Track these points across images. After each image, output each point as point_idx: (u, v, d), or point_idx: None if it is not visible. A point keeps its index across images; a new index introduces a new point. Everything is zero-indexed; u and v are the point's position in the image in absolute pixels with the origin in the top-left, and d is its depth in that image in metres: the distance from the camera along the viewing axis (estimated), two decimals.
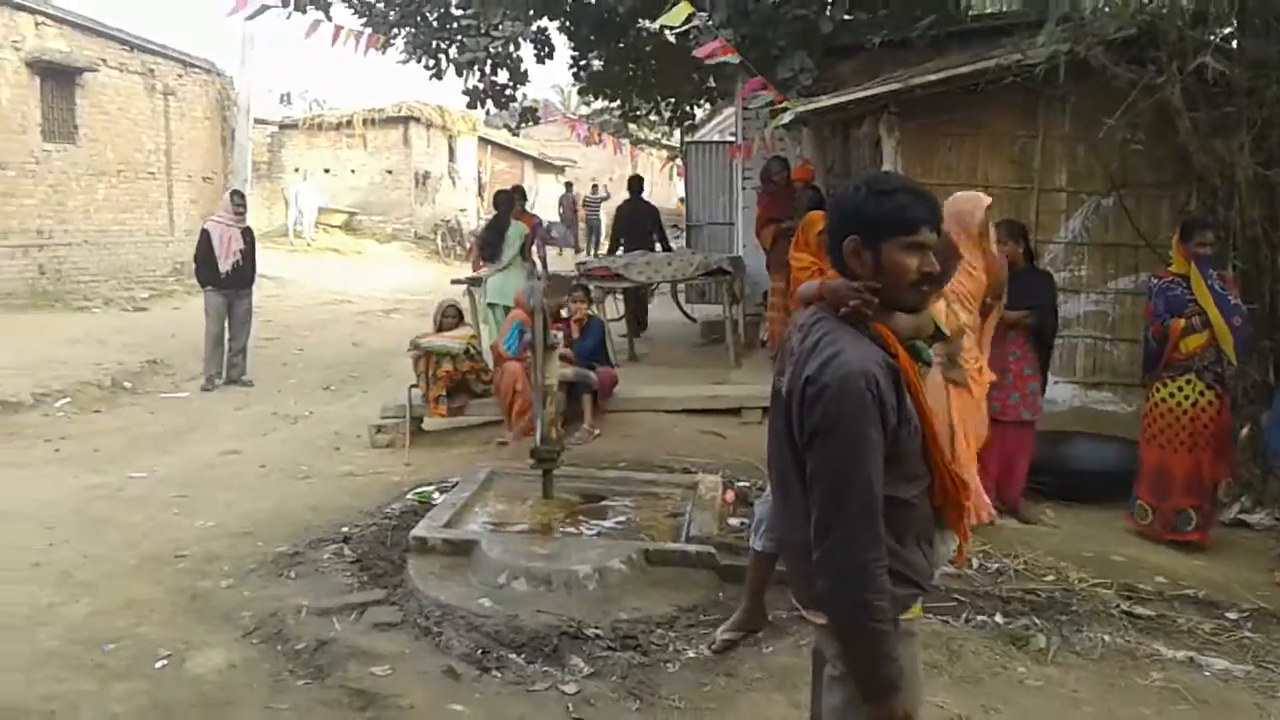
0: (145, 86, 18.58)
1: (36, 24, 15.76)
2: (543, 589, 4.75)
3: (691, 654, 4.26)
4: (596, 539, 5.50)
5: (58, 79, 16.23)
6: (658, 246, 12.02)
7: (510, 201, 10.45)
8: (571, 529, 5.67)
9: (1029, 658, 4.28)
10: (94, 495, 6.71)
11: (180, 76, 19.74)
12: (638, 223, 12.30)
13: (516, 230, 10.09)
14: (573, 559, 4.96)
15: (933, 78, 7.44)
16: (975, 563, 5.13)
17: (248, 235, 10.61)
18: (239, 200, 10.62)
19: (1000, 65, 7.14)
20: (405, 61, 10.97)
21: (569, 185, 30.18)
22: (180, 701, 3.99)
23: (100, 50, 17.27)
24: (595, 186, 33.21)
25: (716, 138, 17.82)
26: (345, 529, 5.80)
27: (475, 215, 30.01)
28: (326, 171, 27.55)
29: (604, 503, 6.12)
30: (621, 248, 12.11)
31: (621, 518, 5.90)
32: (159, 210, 18.80)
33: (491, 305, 9.94)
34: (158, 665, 4.28)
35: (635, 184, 12.72)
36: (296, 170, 27.41)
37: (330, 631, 4.46)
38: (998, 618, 4.61)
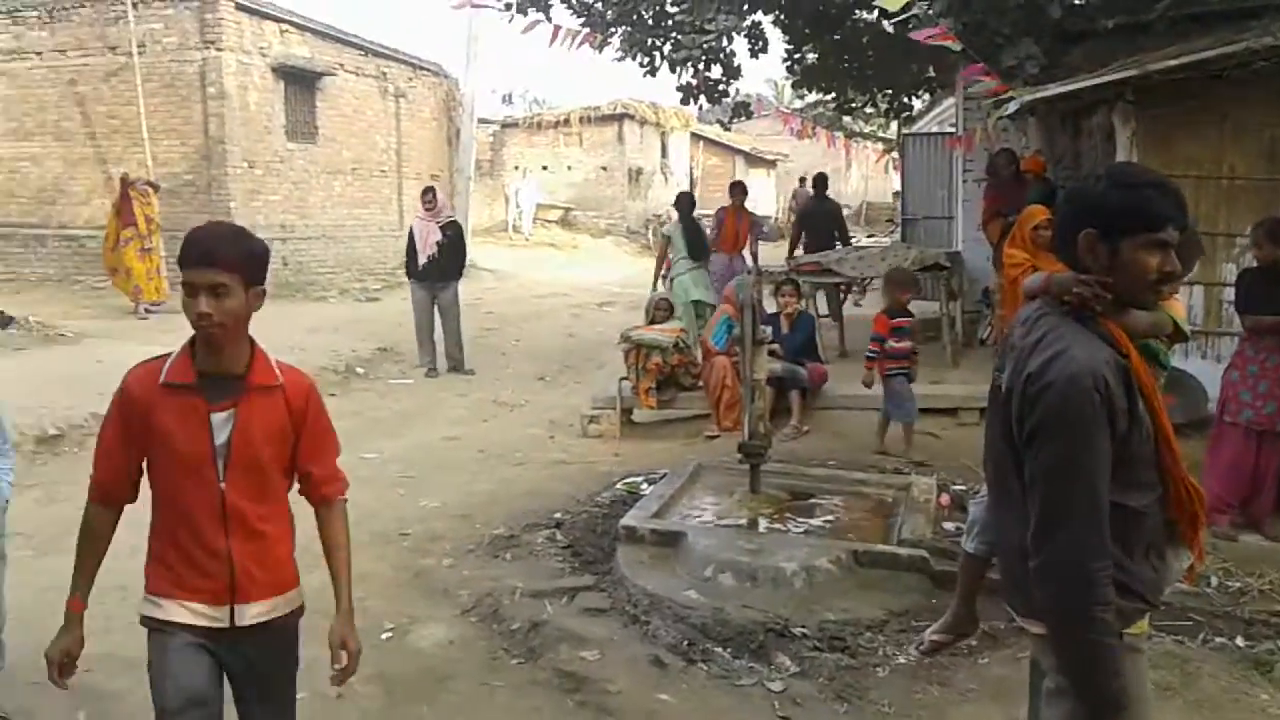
0: (379, 89, 19.66)
1: (281, 31, 16.93)
2: (749, 584, 4.75)
3: (902, 660, 4.15)
4: (804, 536, 5.45)
5: (300, 83, 17.38)
6: (838, 245, 11.93)
7: (689, 204, 11.11)
8: (779, 525, 5.63)
9: (1273, 685, 3.96)
10: None
11: (410, 79, 20.77)
12: (820, 220, 12.30)
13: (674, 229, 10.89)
14: (779, 556, 4.93)
15: (1173, 63, 6.95)
16: (1214, 581, 4.79)
17: (448, 229, 10.93)
18: (429, 197, 11.07)
19: (1249, 49, 6.61)
20: (621, 59, 11.16)
21: (802, 180, 30.14)
22: (402, 673, 4.21)
23: (338, 55, 18.39)
24: (802, 180, 32.92)
25: (935, 129, 17.32)
26: (558, 515, 5.97)
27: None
28: (544, 168, 28.40)
29: (812, 500, 6.05)
30: (802, 246, 12.25)
31: (830, 516, 5.82)
32: (390, 206, 19.86)
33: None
34: (382, 636, 4.53)
35: (819, 182, 12.82)
36: (516, 168, 28.39)
37: (543, 614, 4.60)
38: (1239, 640, 4.29)
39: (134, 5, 15.61)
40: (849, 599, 4.64)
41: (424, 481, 6.91)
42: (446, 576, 5.19)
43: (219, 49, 15.56)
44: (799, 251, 11.99)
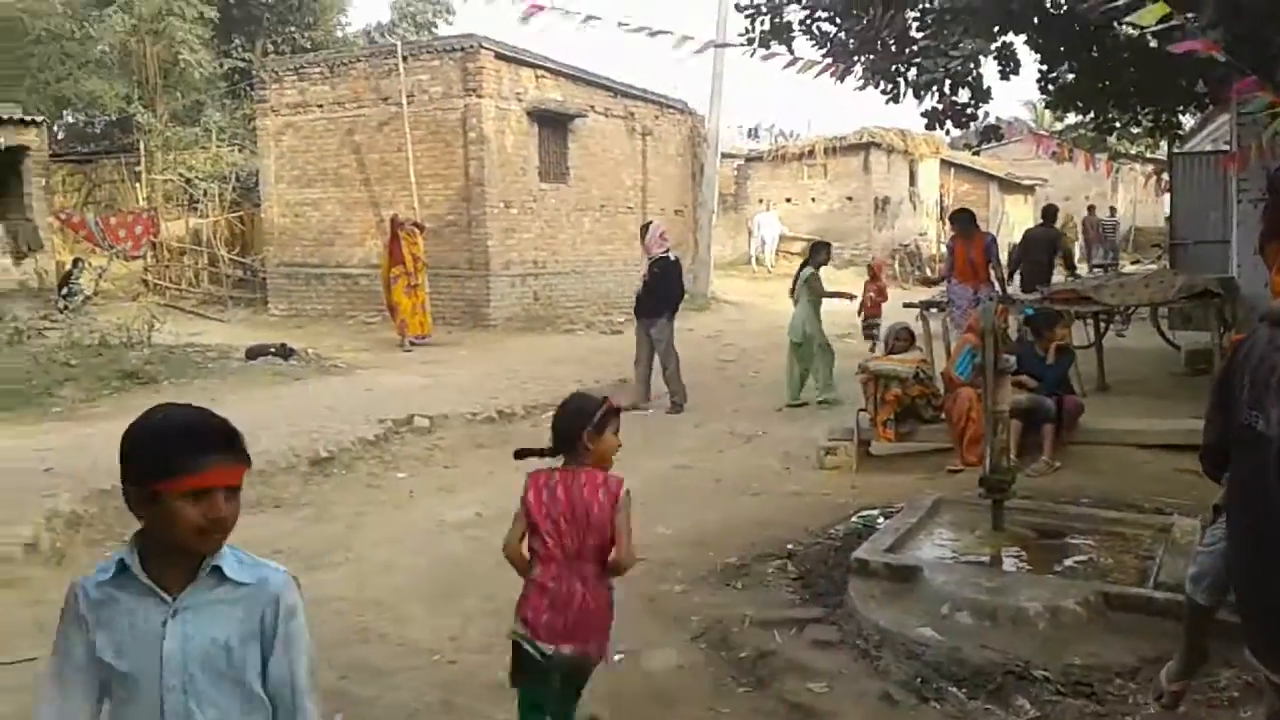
0: (626, 128, 20.28)
1: (536, 77, 17.78)
2: (987, 623, 4.53)
3: (1153, 709, 3.85)
4: (1049, 576, 5.15)
5: (552, 125, 18.18)
6: (1058, 274, 11.44)
7: (816, 251, 11.47)
8: (1023, 564, 5.35)
9: None
10: None
11: (657, 117, 21.31)
12: (1041, 247, 12.03)
13: (804, 274, 10.96)
14: (1022, 595, 4.68)
15: None
16: None
17: (656, 266, 10.99)
18: (642, 233, 11.24)
19: None
20: (863, 88, 11.00)
21: (1091, 208, 29.18)
22: (634, 693, 4.27)
23: (589, 98, 19.11)
24: (1112, 210, 31.40)
25: (1209, 148, 16.12)
26: (790, 545, 5.90)
27: (935, 238, 29.46)
28: (788, 200, 28.38)
29: (1061, 540, 5.71)
30: (1019, 275, 12.30)
31: (1081, 557, 5.48)
32: (634, 241, 20.23)
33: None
34: (616, 658, 4.60)
35: (1048, 213, 13.08)
36: (760, 201, 28.52)
37: (771, 643, 4.55)
38: None
39: (404, 59, 16.84)
40: (1097, 643, 4.34)
41: (659, 509, 6.98)
42: (678, 602, 5.23)
43: (479, 96, 16.51)
44: (1015, 282, 11.69)
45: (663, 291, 11.01)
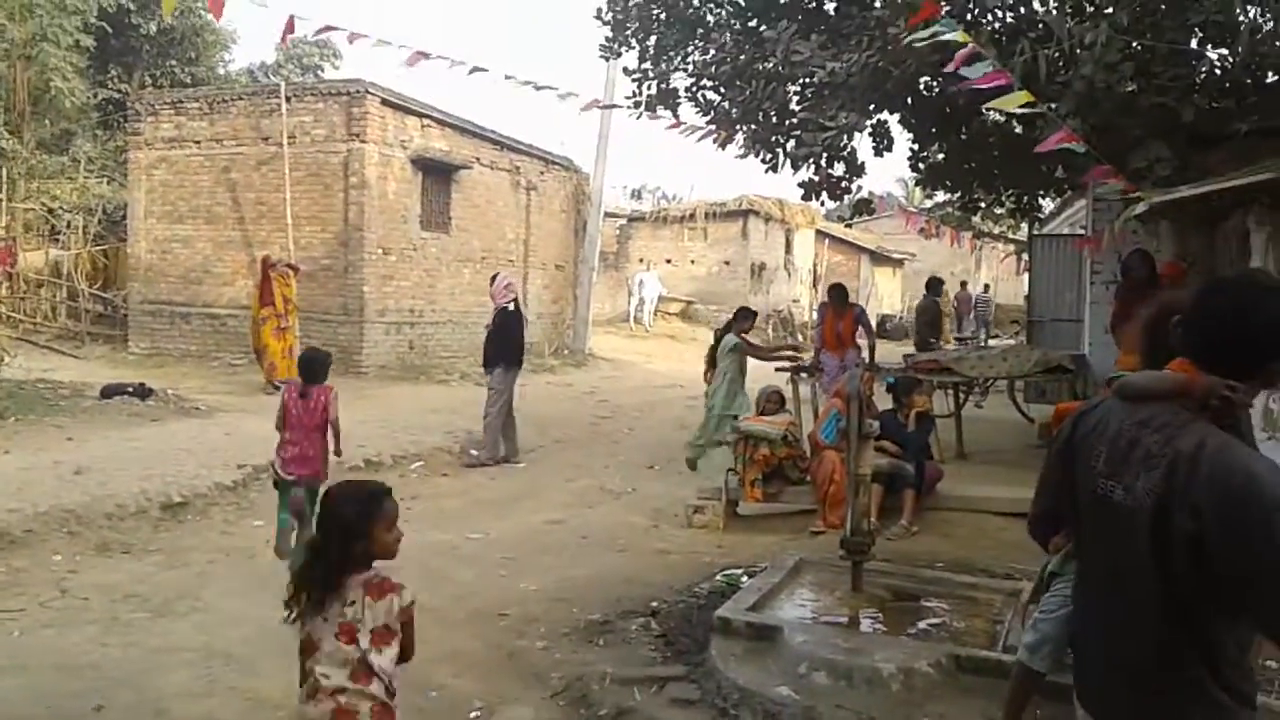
0: (511, 182, 20.34)
1: (423, 126, 17.73)
2: (843, 683, 4.60)
3: None
4: (904, 638, 5.26)
5: (437, 174, 18.12)
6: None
7: (740, 316, 10.59)
8: (880, 625, 5.46)
9: None
10: (434, 551, 7.24)
11: (542, 173, 21.45)
12: (922, 319, 12.68)
13: (727, 343, 10.17)
14: (877, 656, 4.77)
15: None
16: None
17: (497, 315, 11.02)
18: (491, 282, 11.36)
19: None
20: (744, 156, 11.27)
21: (963, 284, 30.36)
22: None
23: (475, 149, 19.13)
24: (986, 286, 32.64)
25: (1066, 230, 17.00)
26: (654, 603, 5.90)
27: (808, 306, 30.22)
28: (668, 262, 28.80)
29: (917, 602, 5.86)
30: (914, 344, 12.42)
31: (935, 619, 5.62)
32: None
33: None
34: (471, 715, 4.52)
35: (931, 285, 13.07)
36: (641, 260, 28.86)
37: (630, 700, 4.53)
38: None
39: (288, 99, 16.58)
40: (948, 704, 4.45)
41: (525, 563, 6.94)
42: (539, 659, 5.17)
43: (363, 141, 16.36)
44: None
45: (500, 341, 10.97)
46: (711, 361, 10.38)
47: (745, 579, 6.24)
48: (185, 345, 17.65)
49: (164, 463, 8.71)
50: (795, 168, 10.98)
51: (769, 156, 11.30)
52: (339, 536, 3.06)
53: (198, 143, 17.73)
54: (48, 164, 23.11)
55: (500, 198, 20.10)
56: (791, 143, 10.86)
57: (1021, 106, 7.29)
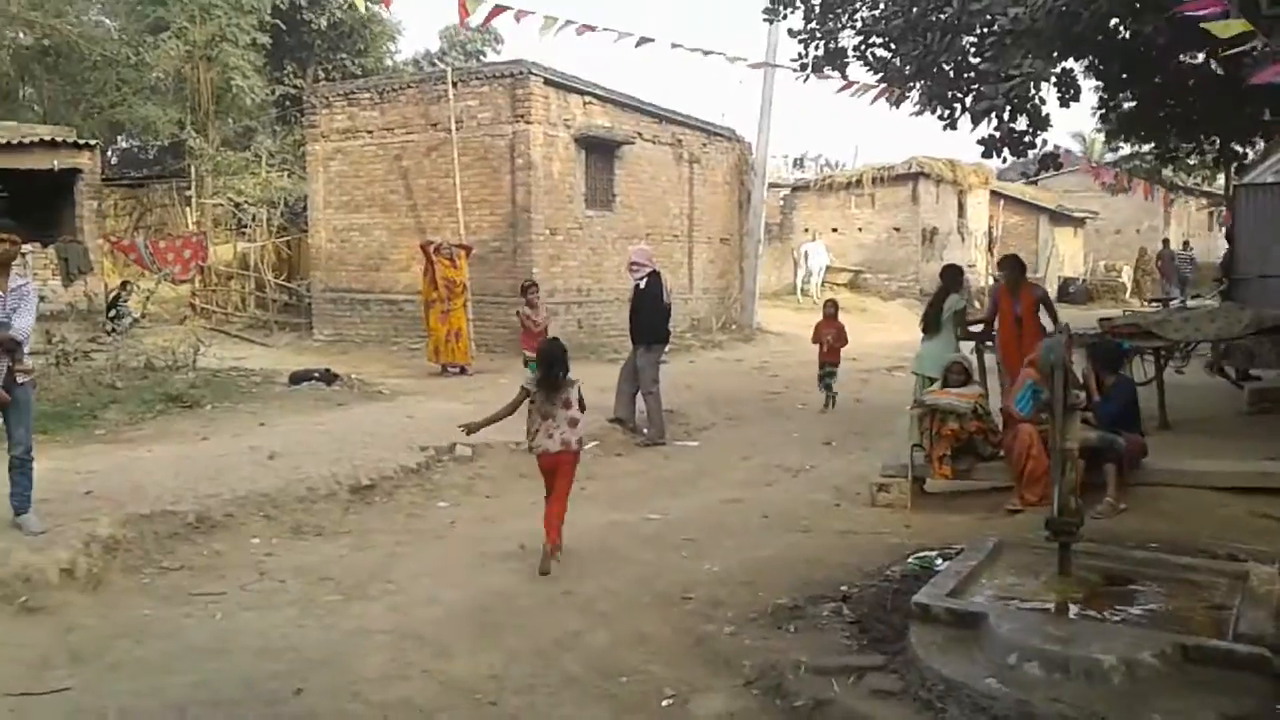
0: (673, 155, 20.19)
1: (585, 103, 17.75)
2: (1058, 675, 4.26)
3: None
4: (1122, 626, 4.86)
5: (600, 152, 18.12)
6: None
7: (955, 276, 10.03)
8: (1092, 612, 5.07)
9: None
10: (614, 532, 7.19)
11: (704, 145, 21.21)
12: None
13: (954, 304, 9.73)
14: (1095, 646, 4.40)
15: None
16: None
17: (632, 293, 10.96)
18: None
19: None
20: (919, 113, 10.78)
21: (1165, 241, 28.73)
22: None
23: (636, 124, 19.05)
24: (1186, 244, 30.76)
25: (1272, 179, 15.73)
26: (844, 587, 5.66)
27: (984, 271, 29.09)
28: (835, 230, 28.16)
29: (1130, 586, 5.42)
30: None
31: (1151, 605, 5.18)
32: (680, 270, 20.24)
33: (915, 374, 9.74)
34: (664, 703, 4.40)
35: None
36: (806, 230, 28.30)
37: (829, 692, 4.32)
38: None
39: (454, 85, 16.86)
40: (1177, 699, 4.06)
41: (706, 544, 6.79)
42: (728, 645, 5.01)
43: (527, 122, 16.49)
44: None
45: (632, 320, 10.81)
46: (929, 324, 9.92)
47: (940, 561, 5.93)
48: (365, 331, 18.26)
49: (351, 446, 8.93)
50: (975, 123, 10.42)
51: (946, 113, 10.76)
52: (561, 359, 6.67)
53: (370, 132, 18.24)
54: (232, 160, 24.25)
55: (663, 172, 19.98)
56: (970, 97, 10.31)
57: (1234, 38, 6.66)
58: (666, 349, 10.88)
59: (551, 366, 6.62)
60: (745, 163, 22.53)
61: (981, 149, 11.10)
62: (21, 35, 26.48)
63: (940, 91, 10.41)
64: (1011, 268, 9.85)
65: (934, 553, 6.16)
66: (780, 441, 10.60)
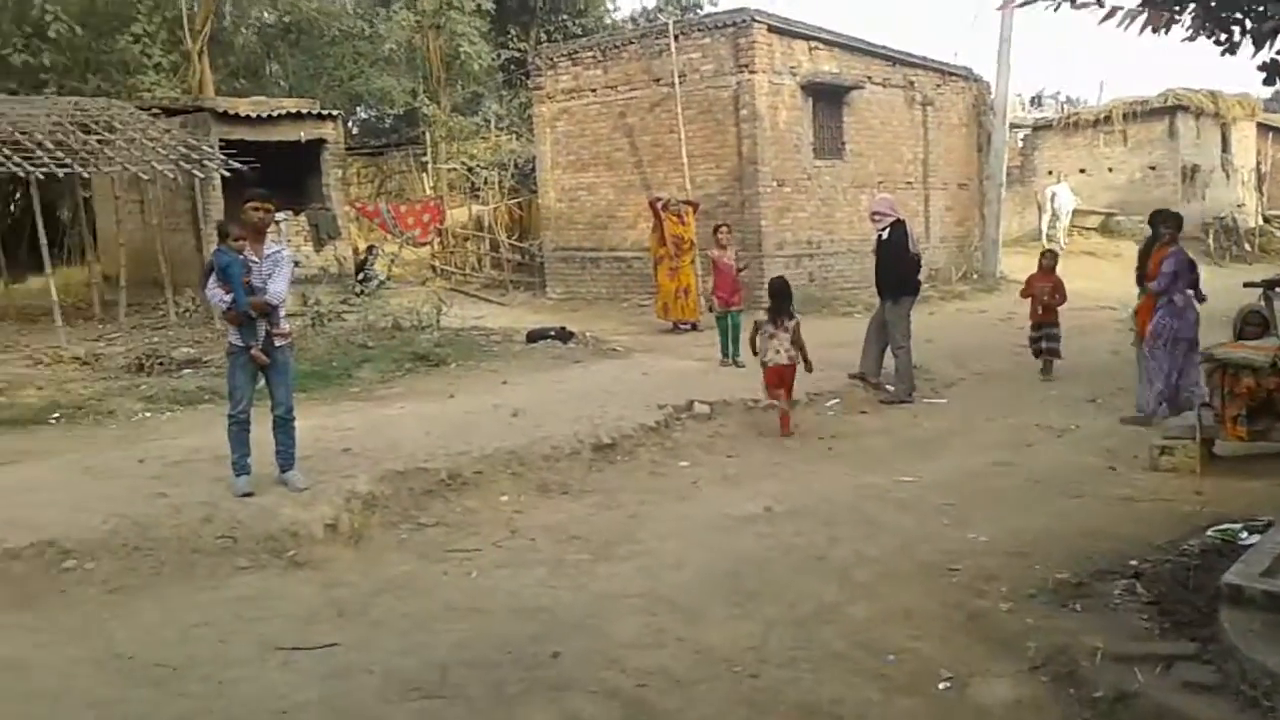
0: (905, 99, 19.27)
1: (810, 49, 17.12)
2: None
3: None
4: None
5: (828, 98, 17.46)
6: None
7: (1171, 222, 8.79)
8: None
9: None
10: (865, 495, 6.84)
11: (938, 86, 20.15)
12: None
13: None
14: None
15: None
16: None
17: (875, 244, 10.35)
18: None
19: None
20: (1191, 38, 9.70)
21: None
22: None
23: (865, 68, 18.25)
24: None
25: None
26: (1134, 562, 5.13)
27: (1254, 211, 26.58)
28: (1082, 171, 26.38)
29: None
30: None
31: None
32: (916, 218, 19.33)
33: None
34: (940, 686, 4.07)
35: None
36: (1050, 172, 26.63)
37: (1132, 683, 3.86)
38: None
39: (675, 37, 16.60)
40: None
41: (968, 510, 6.34)
42: (1006, 623, 4.60)
43: (751, 72, 16.06)
44: None
45: (880, 271, 10.26)
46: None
47: (1245, 535, 5.29)
48: (596, 288, 18.39)
49: (590, 404, 8.91)
50: (1258, 46, 9.30)
51: (1224, 37, 9.64)
52: (786, 292, 9.00)
53: (594, 91, 18.25)
54: (463, 125, 24.94)
55: (895, 116, 19.09)
56: (1251, 18, 9.18)
57: None
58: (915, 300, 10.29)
59: (776, 298, 9.05)
60: (983, 103, 21.28)
61: (1263, 75, 9.93)
62: (266, 14, 28.06)
63: (1216, 13, 9.33)
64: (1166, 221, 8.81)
65: (1237, 525, 5.50)
66: (1037, 399, 9.89)
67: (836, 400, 9.77)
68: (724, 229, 12.32)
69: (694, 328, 13.91)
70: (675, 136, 16.46)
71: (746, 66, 16.15)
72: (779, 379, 8.74)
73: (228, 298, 6.34)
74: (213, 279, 6.45)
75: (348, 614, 5.10)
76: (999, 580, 5.08)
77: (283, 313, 6.62)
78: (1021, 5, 10.51)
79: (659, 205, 14.61)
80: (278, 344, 6.54)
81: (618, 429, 8.20)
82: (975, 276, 19.88)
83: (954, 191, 20.89)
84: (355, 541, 6.13)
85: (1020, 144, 27.33)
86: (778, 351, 8.72)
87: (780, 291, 9.04)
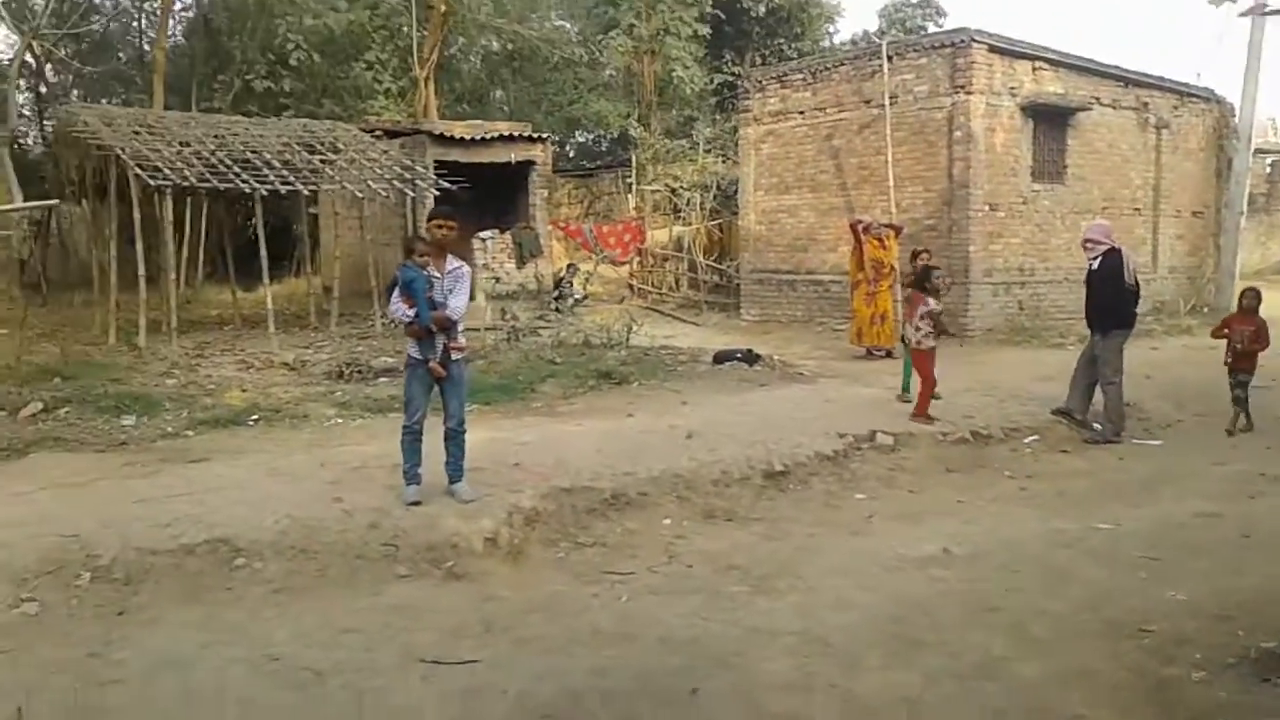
0: (1137, 121, 18.11)
1: (1034, 69, 16.30)
2: None
3: None
4: None
5: (1050, 120, 16.57)
6: None
7: None
8: None
9: None
10: (1055, 542, 6.31)
11: (1175, 108, 18.85)
12: None
13: None
14: None
15: None
16: None
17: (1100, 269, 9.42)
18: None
19: None
20: None
21: None
22: None
23: (1094, 89, 17.24)
24: None
25: None
26: None
27: None
28: None
29: None
30: None
31: None
32: (1142, 247, 18.11)
33: None
34: None
35: None
36: None
37: None
38: None
39: (889, 58, 16.16)
40: None
41: (1170, 565, 5.73)
42: (1197, 696, 4.09)
43: (968, 93, 15.46)
44: None
45: (1091, 302, 9.55)
46: None
47: None
48: (791, 311, 18.11)
49: (768, 429, 8.65)
50: None
51: None
52: (926, 276, 9.76)
53: (801, 113, 18.01)
54: (671, 148, 25.14)
55: (1124, 140, 17.92)
56: None
57: None
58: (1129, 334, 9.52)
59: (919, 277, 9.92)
60: (1225, 126, 19.73)
61: None
62: (491, 42, 29.22)
63: None
64: None
65: None
66: (1264, 445, 8.95)
67: (1035, 437, 9.14)
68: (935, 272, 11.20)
69: (888, 355, 13.39)
70: (883, 159, 16.03)
71: (963, 87, 15.55)
72: (921, 358, 9.61)
73: (410, 312, 6.47)
74: (396, 293, 6.60)
75: (494, 630, 5.05)
76: (1194, 646, 4.54)
77: (461, 328, 6.71)
78: (1270, 13, 9.60)
79: (860, 228, 14.19)
80: (454, 358, 6.62)
81: (793, 456, 7.92)
82: (1206, 310, 18.39)
83: (1187, 220, 19.46)
84: (513, 557, 6.11)
85: (1268, 169, 25.21)
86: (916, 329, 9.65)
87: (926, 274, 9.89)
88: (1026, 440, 9.10)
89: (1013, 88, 16.03)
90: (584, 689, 4.33)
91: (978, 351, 14.04)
